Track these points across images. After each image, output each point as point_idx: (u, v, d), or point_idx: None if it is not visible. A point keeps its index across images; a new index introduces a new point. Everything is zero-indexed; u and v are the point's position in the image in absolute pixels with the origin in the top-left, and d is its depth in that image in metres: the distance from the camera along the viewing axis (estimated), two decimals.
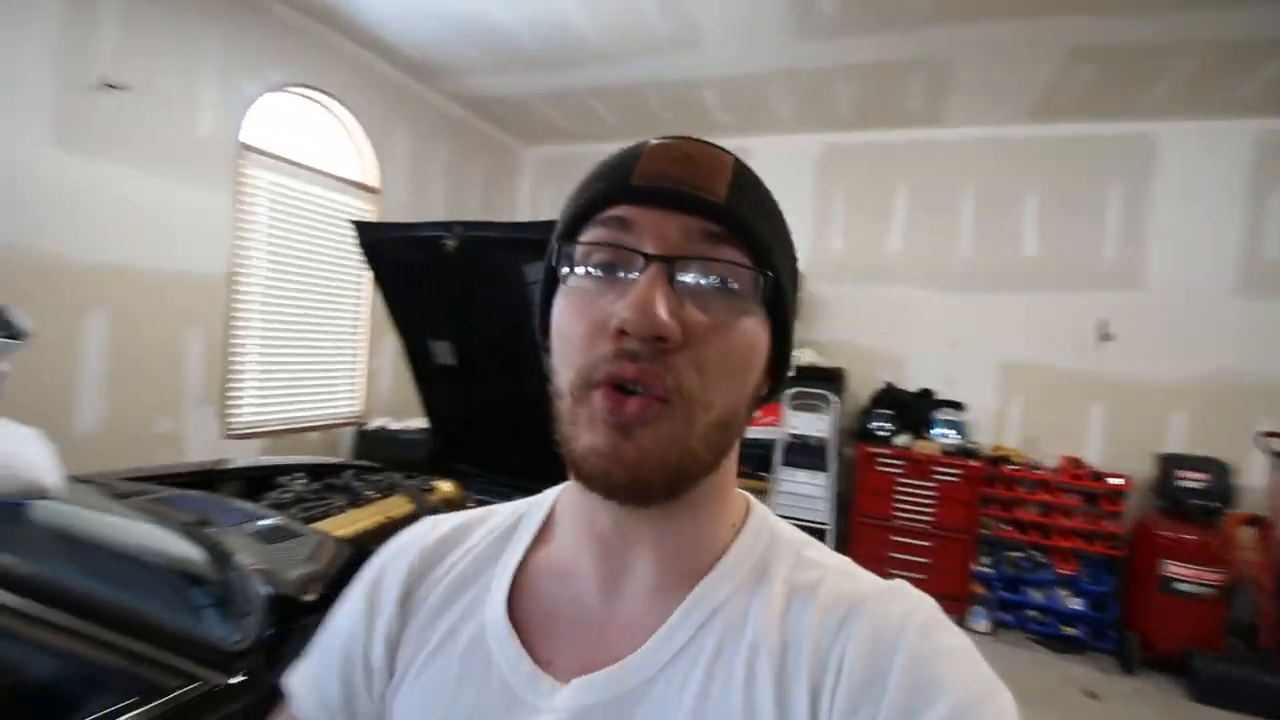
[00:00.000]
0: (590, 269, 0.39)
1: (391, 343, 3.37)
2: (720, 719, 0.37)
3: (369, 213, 3.49)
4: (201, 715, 0.88)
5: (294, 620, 1.10)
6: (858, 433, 3.78)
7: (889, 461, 3.56)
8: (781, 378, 0.44)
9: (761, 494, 3.74)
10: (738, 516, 0.44)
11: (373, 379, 3.63)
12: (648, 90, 3.57)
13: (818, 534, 3.46)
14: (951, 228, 3.82)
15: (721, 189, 0.38)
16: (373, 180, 3.54)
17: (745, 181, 0.40)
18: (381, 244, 2.15)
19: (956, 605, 3.38)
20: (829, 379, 3.77)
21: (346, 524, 1.71)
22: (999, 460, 3.50)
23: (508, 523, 0.49)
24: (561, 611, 0.44)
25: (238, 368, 2.91)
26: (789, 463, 3.70)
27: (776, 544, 0.43)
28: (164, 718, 0.84)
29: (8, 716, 0.82)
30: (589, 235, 0.40)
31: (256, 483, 1.98)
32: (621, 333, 0.36)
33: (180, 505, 1.52)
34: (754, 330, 0.39)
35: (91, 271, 2.35)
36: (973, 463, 3.43)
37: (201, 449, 2.74)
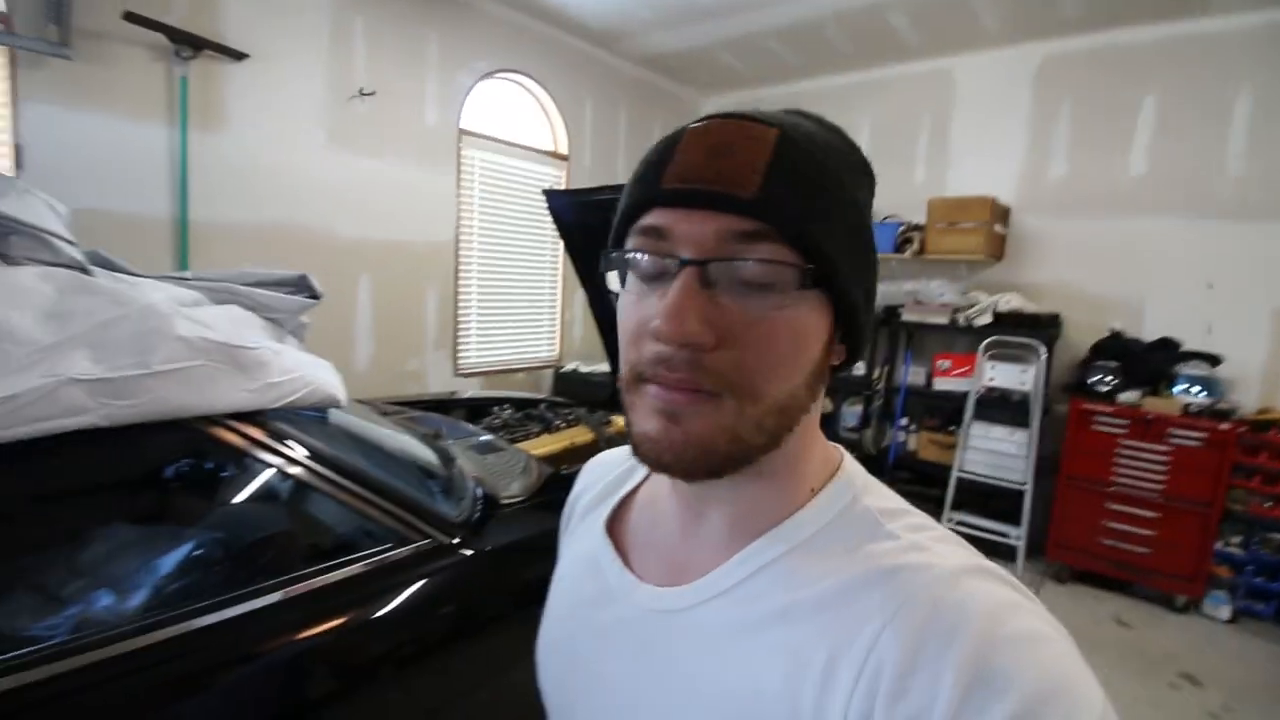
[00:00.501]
0: (637, 275, 0.41)
1: (580, 296, 3.77)
2: (745, 654, 0.40)
3: (559, 179, 3.88)
4: (432, 560, 1.21)
5: (494, 510, 1.42)
6: (1072, 386, 3.35)
7: (1110, 420, 3.10)
8: (858, 345, 0.44)
9: (947, 449, 3.53)
10: (819, 480, 0.45)
11: (567, 328, 4.10)
12: (827, 24, 3.40)
13: (1013, 496, 3.22)
14: (1216, 143, 3.09)
15: (754, 181, 0.37)
16: (563, 148, 3.91)
17: (787, 163, 0.38)
18: (565, 208, 2.43)
19: (1188, 586, 2.92)
20: (1036, 326, 3.37)
21: (539, 446, 2.06)
22: (1267, 425, 2.88)
23: (630, 461, 0.58)
24: (652, 538, 0.51)
25: (463, 318, 3.50)
26: (982, 417, 3.42)
27: (852, 513, 0.43)
28: (409, 558, 1.18)
29: (318, 549, 1.22)
30: (631, 243, 0.41)
31: (476, 410, 2.44)
32: (658, 338, 0.38)
33: (423, 422, 1.97)
34: (800, 319, 0.39)
35: (359, 244, 2.99)
36: (1223, 426, 2.86)
37: (438, 383, 3.39)
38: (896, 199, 3.91)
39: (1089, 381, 3.25)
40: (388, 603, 1.14)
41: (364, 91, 2.87)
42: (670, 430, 0.39)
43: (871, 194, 0.45)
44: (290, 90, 2.69)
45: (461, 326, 3.50)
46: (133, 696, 0.88)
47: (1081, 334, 3.44)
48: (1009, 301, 3.43)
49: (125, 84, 2.25)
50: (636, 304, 0.41)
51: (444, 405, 2.41)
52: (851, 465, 0.47)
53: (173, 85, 2.35)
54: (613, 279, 0.44)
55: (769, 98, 4.45)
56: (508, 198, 3.66)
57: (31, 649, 0.82)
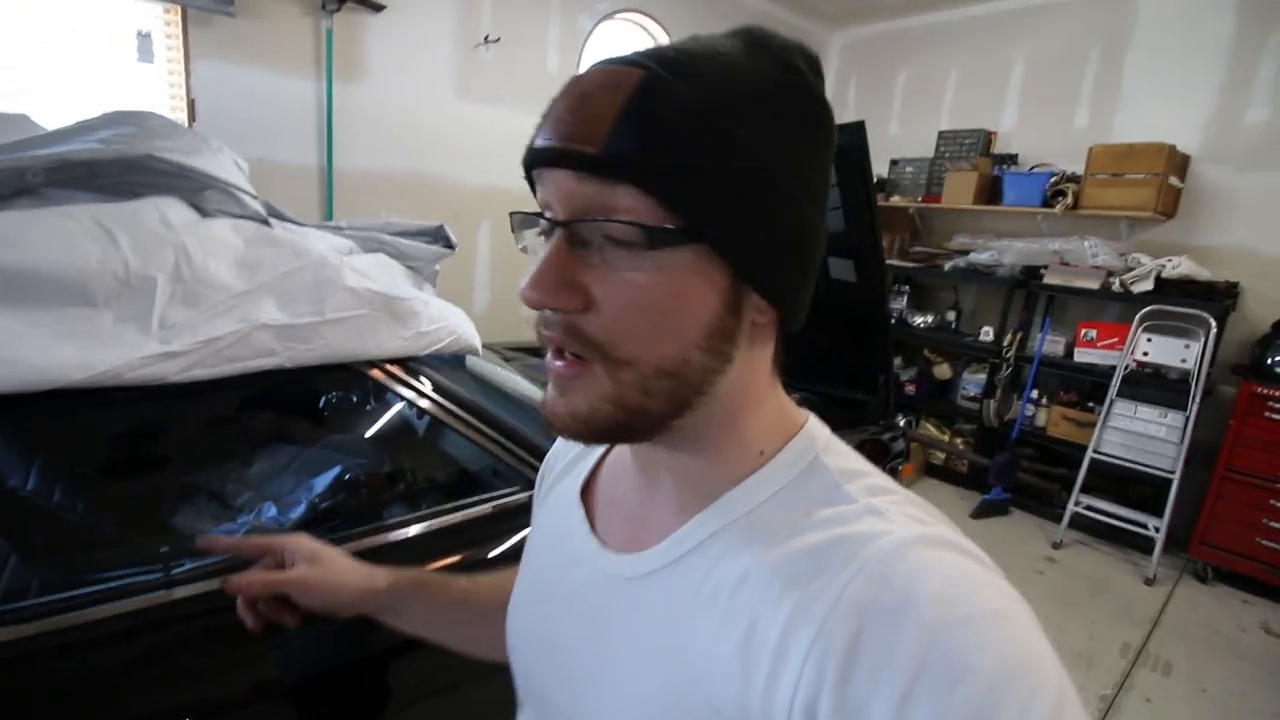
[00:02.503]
0: (537, 232, 0.42)
1: None
2: (698, 624, 0.39)
3: None
4: None
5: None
6: (1245, 368, 2.95)
7: None
8: (786, 305, 0.40)
9: (1082, 427, 3.25)
10: (771, 443, 0.43)
11: None
12: None
13: (1155, 484, 2.93)
14: None
15: (601, 133, 0.34)
16: None
17: (647, 108, 0.35)
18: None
19: None
20: (1208, 295, 2.97)
21: None
22: None
23: None
24: (615, 503, 0.51)
25: None
26: (1129, 395, 3.10)
27: (811, 475, 0.41)
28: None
29: (452, 485, 1.31)
30: (535, 196, 0.42)
31: None
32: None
33: (541, 370, 2.05)
34: (673, 279, 0.36)
35: (481, 193, 3.09)
36: None
37: None
38: (1049, 146, 3.51)
39: (1268, 363, 2.84)
40: (511, 539, 1.21)
41: (489, 39, 2.90)
42: (556, 401, 0.39)
43: (810, 130, 0.39)
44: (422, 40, 2.76)
45: None
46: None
47: (1263, 308, 3.01)
48: (1177, 266, 3.03)
49: (279, 38, 2.40)
50: (533, 262, 0.41)
51: None
52: (815, 426, 0.45)
53: (319, 38, 2.48)
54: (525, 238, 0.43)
55: (909, 30, 4.07)
56: None
57: (213, 560, 0.95)
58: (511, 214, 0.43)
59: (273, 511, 1.16)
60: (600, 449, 0.55)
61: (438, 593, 0.71)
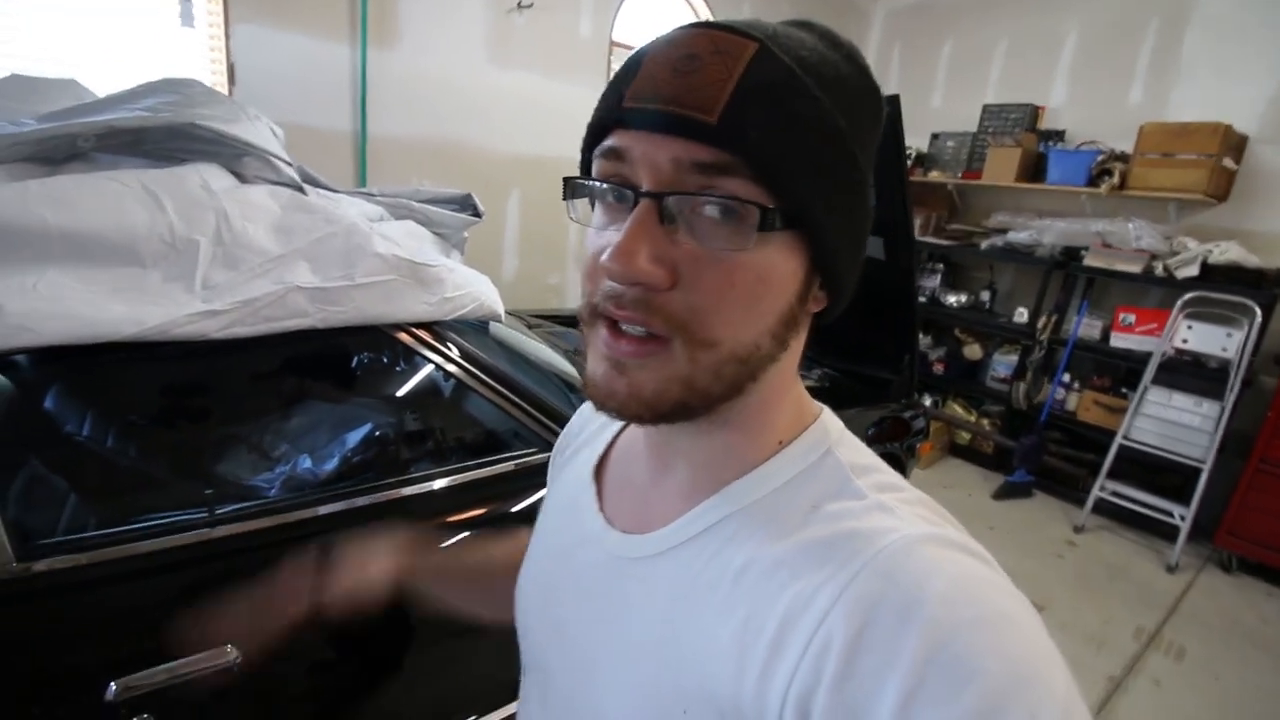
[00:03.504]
0: (598, 201, 0.39)
1: None
2: (698, 608, 0.39)
3: None
4: None
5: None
6: None
7: None
8: (841, 292, 0.40)
9: (1113, 412, 3.19)
10: (789, 432, 0.42)
11: None
12: None
13: (1188, 473, 2.87)
14: None
15: (718, 102, 0.33)
16: None
17: (764, 79, 0.33)
18: None
19: None
20: (1256, 284, 2.85)
21: None
22: None
23: None
24: (626, 483, 0.50)
25: None
26: (1164, 383, 3.02)
27: (823, 466, 0.41)
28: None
29: (475, 443, 1.37)
30: (595, 167, 0.38)
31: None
32: (610, 274, 0.36)
33: (564, 338, 2.10)
34: (766, 262, 0.36)
35: (510, 160, 3.10)
36: None
37: (575, 299, 3.49)
38: (1098, 123, 3.36)
39: None
40: (529, 499, 1.27)
41: (522, 4, 2.88)
42: (614, 380, 0.37)
43: (877, 126, 0.39)
44: (457, 4, 2.76)
45: None
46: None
47: None
48: (1225, 252, 2.91)
49: (315, 2, 2.43)
50: (594, 234, 0.39)
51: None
52: (830, 419, 0.45)
53: (355, 3, 2.49)
54: (578, 207, 0.41)
55: (950, 2, 3.90)
56: None
57: (253, 503, 1.02)
58: (568, 179, 0.40)
59: (308, 463, 1.24)
60: (614, 429, 0.55)
61: (454, 578, 0.74)
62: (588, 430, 0.58)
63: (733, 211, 0.34)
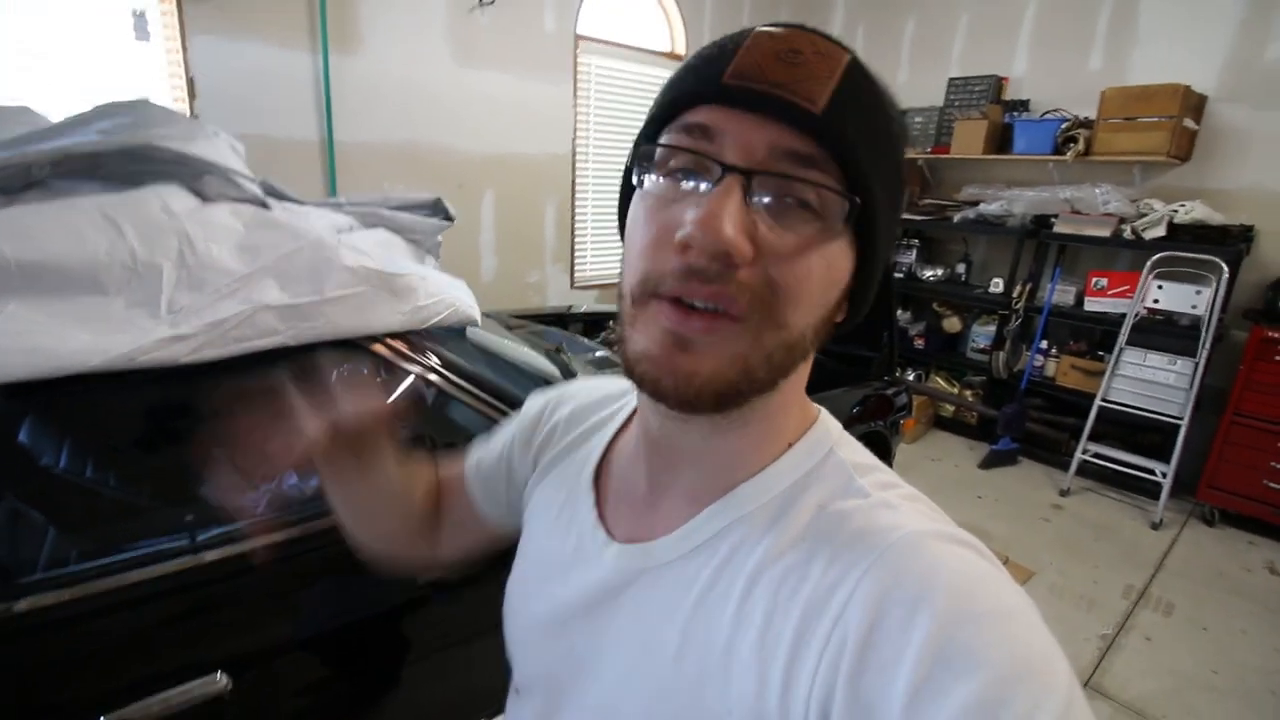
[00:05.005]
0: (666, 176, 0.37)
1: None
2: (713, 619, 0.38)
3: None
4: None
5: None
6: (1257, 312, 2.90)
7: None
8: (860, 306, 0.41)
9: (1091, 376, 3.24)
10: (795, 434, 0.43)
11: None
12: None
13: (1163, 430, 2.93)
14: None
15: (823, 96, 0.34)
16: (680, 49, 3.71)
17: (856, 88, 0.35)
18: None
19: None
20: (1222, 240, 2.91)
21: None
22: None
23: (621, 401, 0.55)
24: (624, 490, 0.48)
25: (579, 231, 3.57)
26: (1139, 343, 3.08)
27: (826, 466, 0.41)
28: None
29: (455, 450, 1.37)
30: (670, 138, 0.37)
31: (593, 324, 2.54)
32: (686, 247, 0.34)
33: (545, 336, 2.09)
34: (836, 255, 0.37)
35: (482, 160, 3.08)
36: None
37: (557, 296, 3.53)
38: (1061, 91, 3.40)
39: None
40: None
41: (484, 1, 2.85)
42: (677, 357, 0.36)
43: (905, 158, 0.42)
44: (417, 6, 2.72)
45: (578, 239, 3.58)
46: (326, 561, 1.07)
47: (1279, 250, 2.94)
48: (1190, 211, 2.97)
49: (273, 11, 2.39)
50: (659, 208, 0.37)
51: (562, 319, 2.53)
52: (829, 419, 0.45)
53: (314, 9, 2.45)
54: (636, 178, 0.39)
55: None
56: (623, 105, 3.57)
57: (239, 524, 1.01)
58: (641, 145, 0.39)
59: (293, 479, 1.23)
60: (610, 431, 0.53)
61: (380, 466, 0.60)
62: (576, 430, 0.55)
63: (822, 200, 0.35)
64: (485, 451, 0.64)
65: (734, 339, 0.36)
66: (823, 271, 0.37)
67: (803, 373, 0.42)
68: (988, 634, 0.30)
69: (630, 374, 0.38)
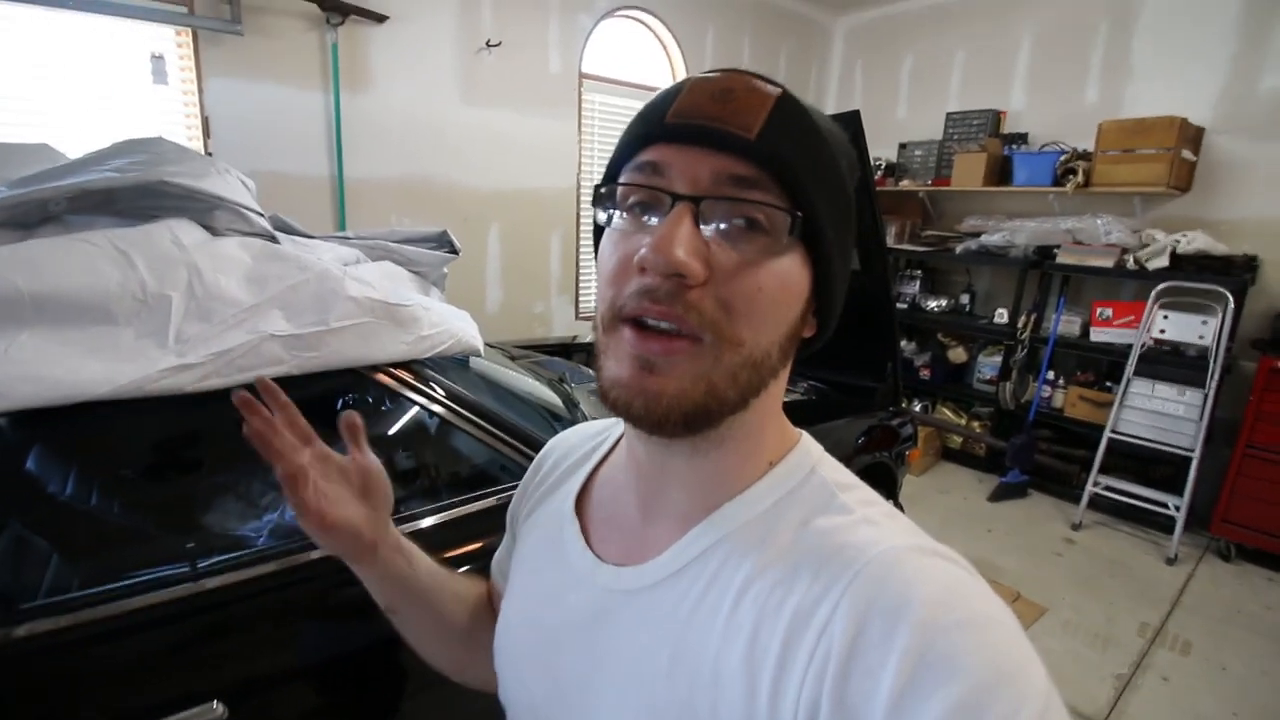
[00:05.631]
0: (627, 212, 0.41)
1: None
2: (703, 633, 0.39)
3: None
4: None
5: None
6: (1265, 342, 2.89)
7: None
8: (828, 320, 0.43)
9: (1099, 407, 3.22)
10: (776, 454, 0.44)
11: None
12: None
13: (1175, 462, 2.89)
14: None
15: (755, 125, 0.37)
16: None
17: (787, 117, 0.38)
18: None
19: None
20: (1225, 270, 2.91)
21: None
22: None
23: (601, 436, 0.58)
24: (612, 515, 0.50)
25: (584, 263, 3.61)
26: (1146, 374, 3.06)
27: (808, 485, 0.43)
28: None
29: (458, 479, 1.37)
30: (625, 177, 0.41)
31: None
32: (643, 269, 0.37)
33: (548, 366, 2.11)
34: (788, 269, 0.39)
35: (489, 195, 3.14)
36: None
37: (562, 326, 3.56)
38: (1058, 124, 3.46)
39: None
40: None
41: (490, 43, 2.94)
42: (644, 379, 0.38)
43: (854, 179, 0.44)
44: (425, 47, 2.82)
45: (583, 271, 3.62)
46: (320, 597, 1.07)
47: None
48: (1192, 241, 2.98)
49: (286, 54, 2.48)
50: (622, 241, 0.40)
51: (566, 350, 2.54)
52: (809, 441, 0.47)
53: (325, 51, 2.55)
54: (600, 217, 0.43)
55: (913, 12, 4.03)
56: None
57: (242, 553, 1.01)
58: (600, 187, 0.42)
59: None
60: (591, 463, 0.55)
61: (419, 574, 0.62)
62: (557, 471, 0.58)
63: (765, 217, 0.38)
64: (502, 545, 0.65)
65: (694, 359, 0.38)
66: (776, 287, 0.39)
67: (775, 392, 0.43)
68: (967, 642, 0.31)
69: (604, 400, 0.40)
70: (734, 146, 0.37)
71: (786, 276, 0.39)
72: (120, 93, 2.20)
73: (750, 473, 0.43)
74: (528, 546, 0.56)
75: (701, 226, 0.37)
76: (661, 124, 0.39)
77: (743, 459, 0.43)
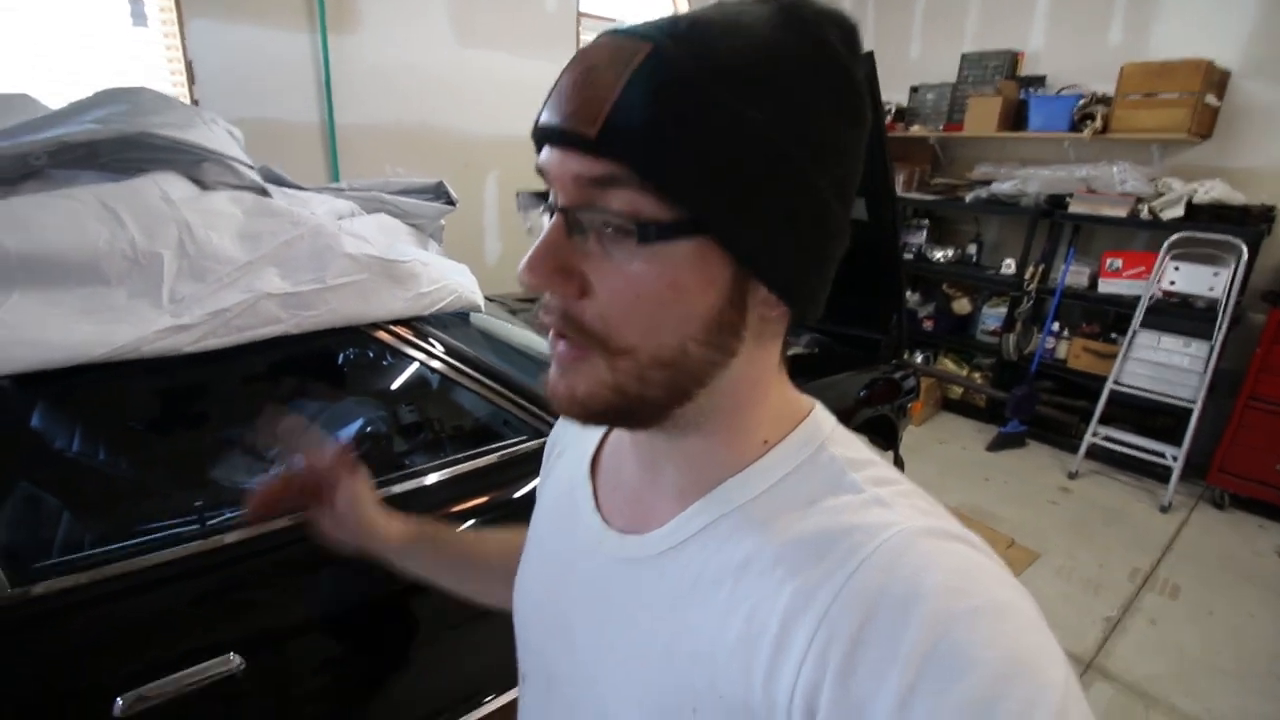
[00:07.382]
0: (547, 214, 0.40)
1: None
2: (703, 608, 0.39)
3: None
4: None
5: None
6: (1277, 294, 2.85)
7: None
8: (797, 300, 0.38)
9: (1104, 359, 3.21)
10: (775, 432, 0.42)
11: None
12: None
13: (1175, 413, 2.90)
14: None
15: (600, 115, 0.32)
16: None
17: (649, 87, 0.32)
18: None
19: None
20: (1242, 220, 2.84)
21: None
22: None
23: None
24: (620, 481, 0.50)
25: None
26: (1153, 325, 3.03)
27: (816, 462, 0.41)
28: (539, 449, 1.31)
29: (461, 434, 1.37)
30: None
31: None
32: None
33: None
34: (672, 270, 0.35)
35: (485, 141, 3.05)
36: None
37: None
38: (1079, 66, 3.32)
39: None
40: (521, 488, 1.28)
41: None
42: (557, 381, 0.38)
43: (839, 111, 0.36)
44: None
45: None
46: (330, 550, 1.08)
47: None
48: (1210, 190, 2.90)
49: None
50: None
51: None
52: (822, 415, 0.44)
53: None
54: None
55: None
56: None
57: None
58: (518, 193, 0.42)
59: (300, 464, 1.24)
60: (600, 429, 0.54)
61: (446, 545, 0.74)
62: (576, 428, 0.57)
63: (624, 223, 0.34)
64: None
65: (590, 367, 0.37)
66: (659, 289, 0.35)
67: (748, 377, 0.40)
68: (981, 632, 0.30)
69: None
70: (583, 146, 0.34)
71: (669, 276, 0.35)
72: (98, 35, 2.11)
73: (744, 452, 0.42)
74: (543, 507, 0.57)
75: (580, 235, 0.35)
76: (536, 126, 0.36)
77: (729, 439, 0.42)
